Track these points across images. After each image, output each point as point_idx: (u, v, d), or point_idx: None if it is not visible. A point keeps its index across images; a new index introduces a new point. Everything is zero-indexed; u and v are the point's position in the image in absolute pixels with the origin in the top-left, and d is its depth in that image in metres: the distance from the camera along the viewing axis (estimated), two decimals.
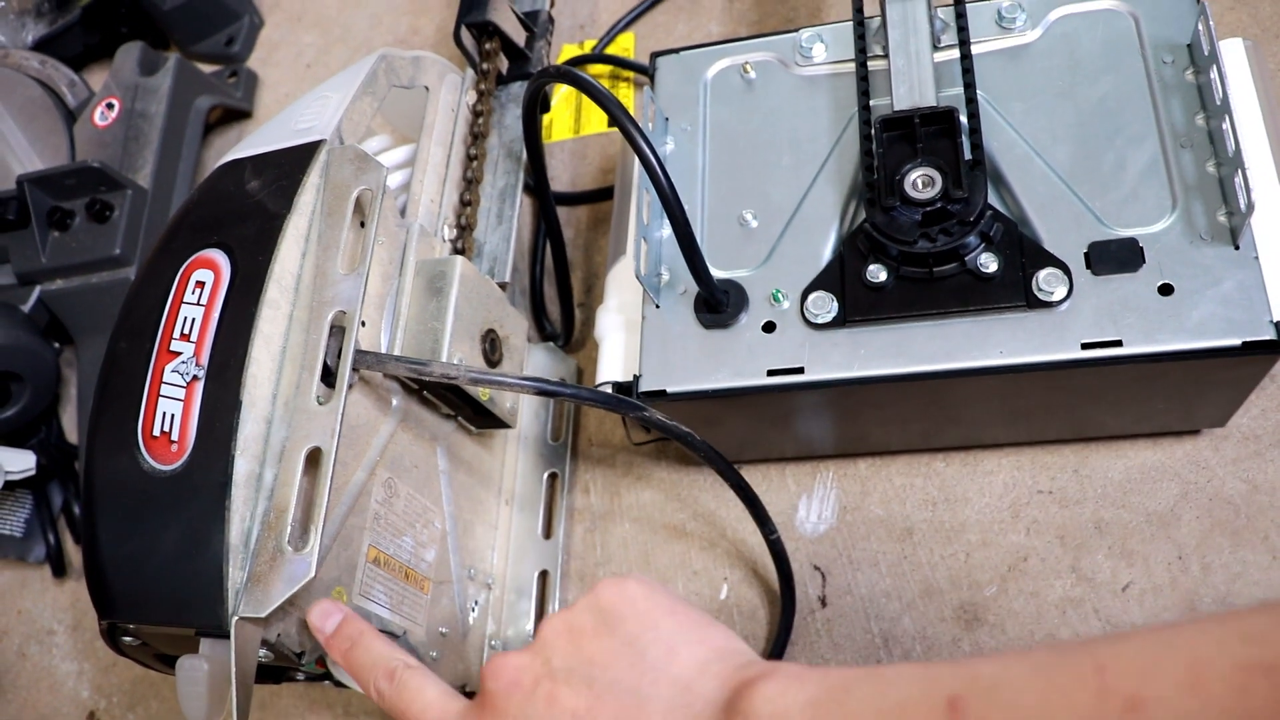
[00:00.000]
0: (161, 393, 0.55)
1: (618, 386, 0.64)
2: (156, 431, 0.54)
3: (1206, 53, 0.58)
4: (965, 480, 0.68)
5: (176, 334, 0.56)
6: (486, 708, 0.47)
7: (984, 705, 0.36)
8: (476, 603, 0.69)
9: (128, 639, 0.55)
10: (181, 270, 0.58)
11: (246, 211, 0.59)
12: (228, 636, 0.50)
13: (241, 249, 0.58)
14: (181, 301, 0.57)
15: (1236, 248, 0.54)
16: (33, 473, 0.87)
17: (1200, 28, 0.58)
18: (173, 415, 0.54)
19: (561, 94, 0.96)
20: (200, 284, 0.57)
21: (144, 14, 1.10)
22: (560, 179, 0.92)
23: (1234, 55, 0.61)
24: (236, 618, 0.50)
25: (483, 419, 0.67)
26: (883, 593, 0.67)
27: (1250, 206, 0.52)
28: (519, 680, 0.46)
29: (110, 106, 0.99)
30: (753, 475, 0.72)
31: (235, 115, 1.10)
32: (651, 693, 0.44)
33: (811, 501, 0.71)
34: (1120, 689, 0.33)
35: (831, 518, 0.70)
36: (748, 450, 0.71)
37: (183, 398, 0.54)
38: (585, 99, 0.95)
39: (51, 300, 0.92)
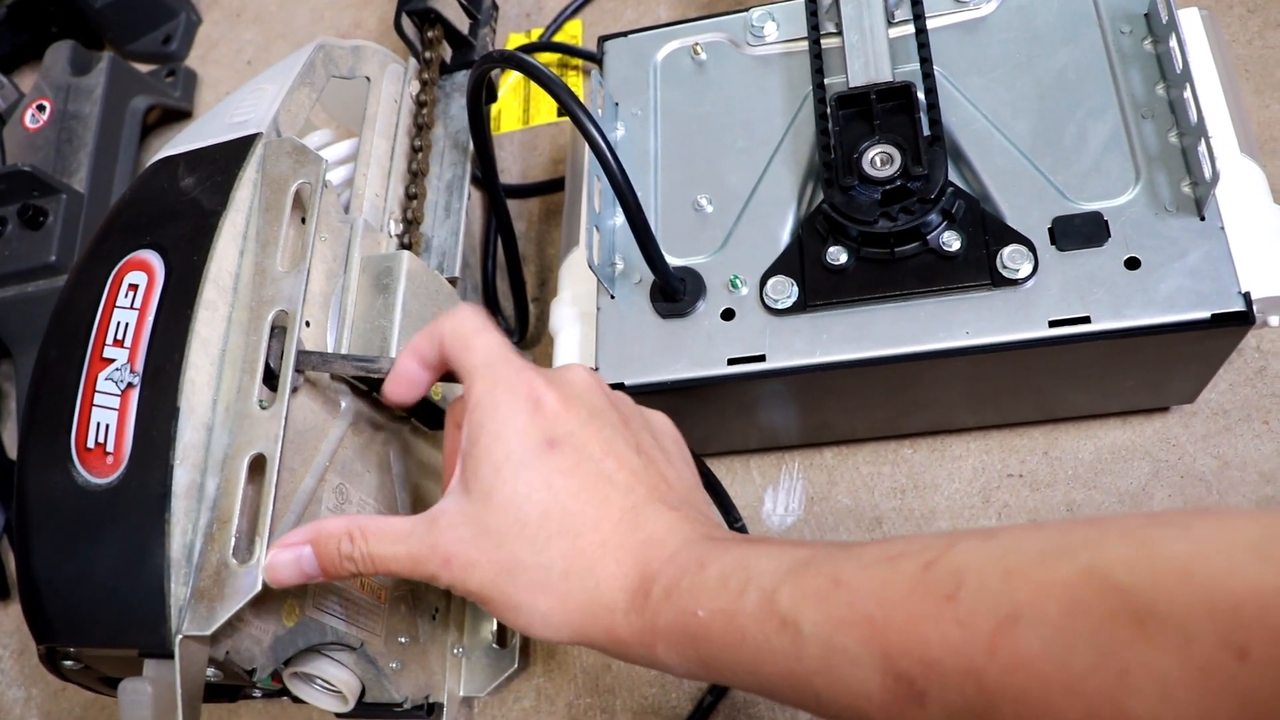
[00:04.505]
0: (95, 402, 0.52)
1: None
2: (90, 443, 0.51)
3: (1165, 21, 0.57)
4: (934, 466, 0.67)
5: (109, 340, 0.53)
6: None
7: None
8: (437, 609, 0.67)
9: (69, 663, 0.52)
10: (113, 273, 0.56)
11: (180, 210, 0.57)
12: (172, 656, 0.47)
13: (175, 249, 0.55)
14: (114, 306, 0.54)
15: (1202, 218, 0.53)
16: None
17: None
18: (107, 425, 0.51)
19: (509, 83, 0.94)
20: (133, 287, 0.55)
21: (75, 12, 1.07)
22: (511, 171, 0.90)
23: (1192, 25, 0.60)
24: (180, 636, 0.47)
25: (436, 419, 0.65)
26: None
27: (1215, 176, 0.51)
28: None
29: (41, 108, 0.95)
30: (717, 468, 0.70)
31: (174, 115, 1.07)
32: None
33: (778, 493, 0.70)
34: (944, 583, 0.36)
35: (799, 509, 0.69)
36: (710, 442, 0.70)
37: (117, 407, 0.52)
38: (534, 88, 0.93)
39: None
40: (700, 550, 0.43)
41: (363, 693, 0.61)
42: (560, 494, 0.45)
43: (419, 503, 0.66)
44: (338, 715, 0.62)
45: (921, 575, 0.36)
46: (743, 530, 0.65)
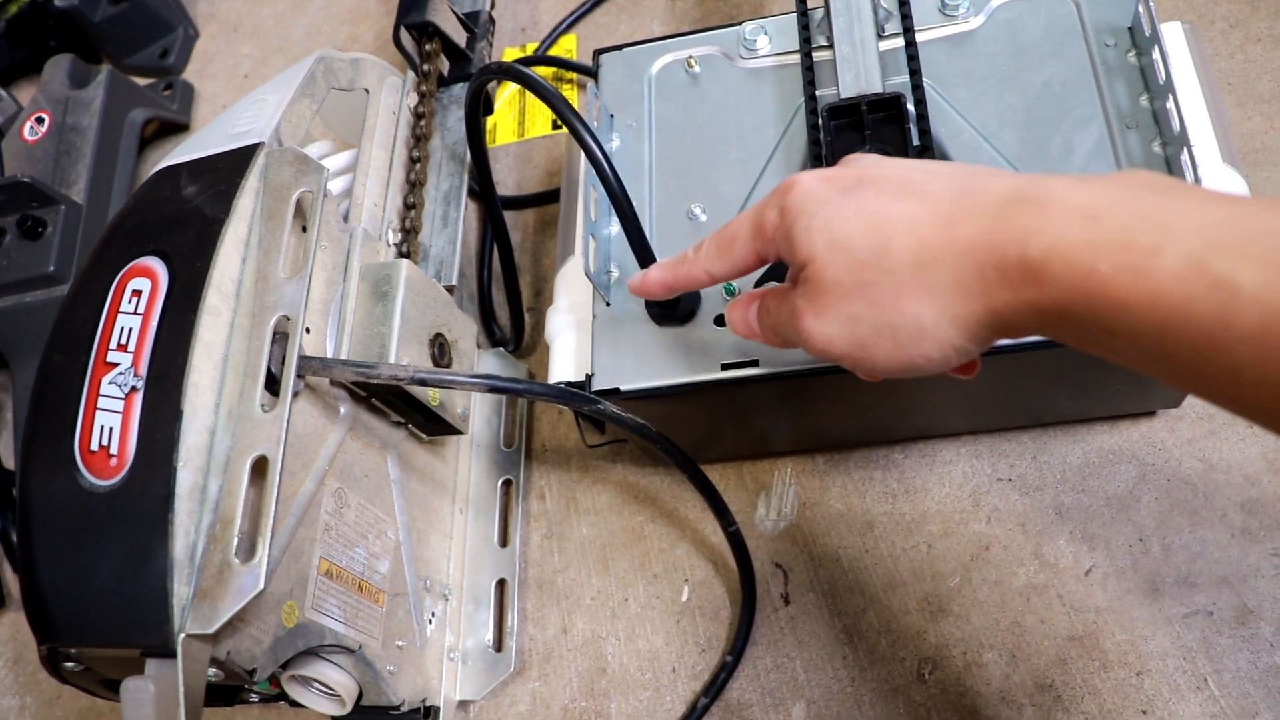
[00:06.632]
0: (99, 405, 0.53)
1: (571, 386, 0.62)
2: (94, 445, 0.52)
3: (1148, 34, 0.58)
4: (924, 471, 0.68)
5: (113, 344, 0.54)
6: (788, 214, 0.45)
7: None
8: (434, 614, 0.68)
9: (70, 664, 0.53)
10: (117, 279, 0.56)
11: (184, 217, 0.58)
12: (174, 656, 0.48)
13: (179, 256, 0.56)
14: (118, 311, 0.55)
15: None
16: None
17: (1140, 9, 0.59)
18: (111, 428, 0.52)
19: (505, 96, 0.95)
20: (137, 293, 0.55)
21: (73, 26, 1.08)
22: (506, 183, 0.91)
23: (1174, 38, 0.62)
24: (183, 635, 0.48)
25: (434, 425, 0.66)
26: (845, 588, 0.66)
27: (1197, 184, 0.52)
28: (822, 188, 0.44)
29: (40, 121, 0.96)
30: (711, 475, 0.70)
31: (172, 128, 1.08)
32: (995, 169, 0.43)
33: (770, 499, 0.70)
34: None
35: (791, 514, 0.70)
36: (704, 450, 0.70)
37: (121, 409, 0.52)
38: (529, 101, 0.95)
39: None
40: (1085, 200, 0.37)
41: (360, 696, 0.62)
42: (874, 210, 0.42)
43: (416, 509, 0.67)
44: (335, 718, 0.63)
45: None
46: (736, 534, 0.66)
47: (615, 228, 0.65)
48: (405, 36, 0.78)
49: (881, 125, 0.59)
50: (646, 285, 0.54)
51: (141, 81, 1.08)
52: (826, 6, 0.65)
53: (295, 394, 0.54)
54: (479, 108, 0.67)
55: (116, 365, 0.53)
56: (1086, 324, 0.36)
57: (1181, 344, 0.34)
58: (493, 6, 0.86)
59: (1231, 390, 0.34)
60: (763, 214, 0.47)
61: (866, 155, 0.46)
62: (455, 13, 0.81)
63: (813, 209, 0.44)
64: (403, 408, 0.63)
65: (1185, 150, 0.54)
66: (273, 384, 0.54)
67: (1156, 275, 0.34)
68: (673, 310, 0.61)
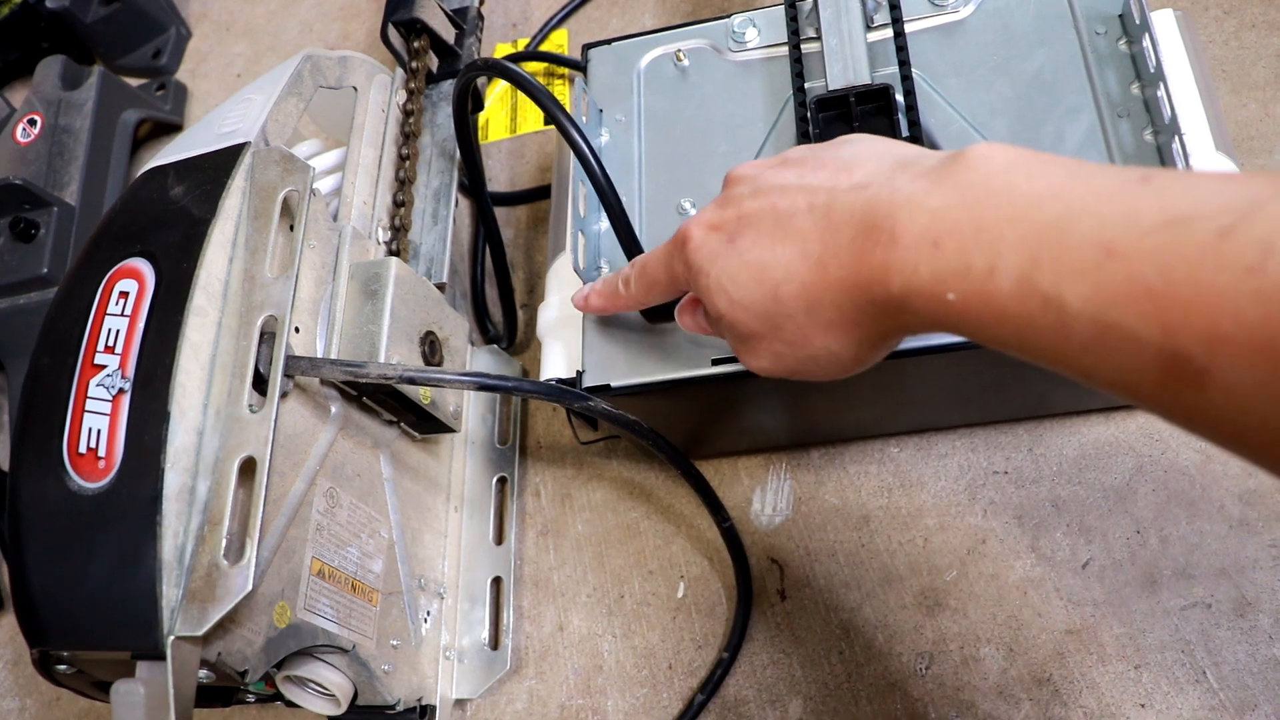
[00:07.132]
0: (87, 408, 0.53)
1: (561, 383, 0.62)
2: (83, 448, 0.52)
3: (1138, 21, 0.57)
4: (920, 464, 0.68)
5: (101, 346, 0.54)
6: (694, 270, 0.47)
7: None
8: (429, 613, 0.68)
9: (62, 667, 0.53)
10: (104, 281, 0.56)
11: (170, 218, 0.57)
12: (164, 658, 0.48)
13: (166, 257, 0.56)
14: (105, 313, 0.55)
15: None
16: None
17: None
18: (99, 430, 0.52)
19: (496, 93, 0.95)
20: (124, 294, 0.55)
21: (65, 27, 1.08)
22: (498, 179, 0.91)
23: (1165, 25, 0.61)
24: (173, 637, 0.48)
25: (426, 424, 0.65)
26: (842, 583, 0.66)
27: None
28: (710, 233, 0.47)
29: (32, 123, 0.96)
30: (705, 470, 0.71)
31: (165, 128, 1.08)
32: (861, 155, 0.44)
33: (765, 494, 0.70)
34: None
35: (786, 509, 0.69)
36: (698, 446, 0.70)
37: (109, 412, 0.52)
38: (521, 97, 0.94)
39: None
40: (925, 224, 0.38)
41: (355, 695, 0.61)
42: (755, 260, 0.44)
43: (410, 507, 0.67)
44: (330, 718, 0.63)
45: (1217, 244, 0.31)
46: (731, 530, 0.65)
47: (604, 223, 0.64)
48: (393, 33, 0.78)
49: (870, 116, 0.59)
50: (588, 306, 0.58)
51: (134, 82, 1.07)
52: None
53: (284, 394, 0.54)
54: (466, 105, 0.67)
55: (104, 367, 0.53)
56: (963, 335, 0.38)
57: (1039, 353, 0.36)
58: (482, 3, 0.86)
59: (1095, 386, 0.35)
60: (671, 264, 0.50)
61: (745, 173, 0.49)
62: (443, 9, 0.80)
63: (706, 266, 0.46)
64: (394, 406, 0.62)
65: (1177, 138, 0.53)
66: (261, 384, 0.54)
67: (997, 298, 0.36)
68: (664, 306, 0.60)
